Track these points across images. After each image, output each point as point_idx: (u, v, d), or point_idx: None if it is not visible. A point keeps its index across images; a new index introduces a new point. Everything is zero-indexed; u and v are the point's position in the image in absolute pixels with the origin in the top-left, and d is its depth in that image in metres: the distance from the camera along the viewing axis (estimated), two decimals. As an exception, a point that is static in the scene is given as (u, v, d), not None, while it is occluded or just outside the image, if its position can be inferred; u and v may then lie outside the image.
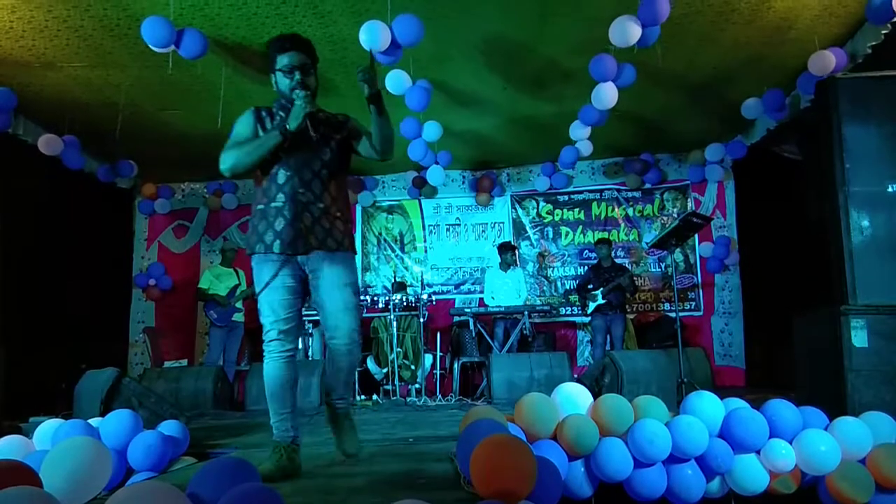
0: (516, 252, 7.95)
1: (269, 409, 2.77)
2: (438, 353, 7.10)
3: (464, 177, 8.91)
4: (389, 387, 6.88)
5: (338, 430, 2.97)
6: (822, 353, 3.87)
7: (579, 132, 6.22)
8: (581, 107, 6.05)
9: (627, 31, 4.60)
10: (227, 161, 2.75)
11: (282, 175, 2.76)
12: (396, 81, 5.25)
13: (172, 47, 4.62)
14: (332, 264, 2.79)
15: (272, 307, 2.74)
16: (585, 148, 6.63)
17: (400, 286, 7.97)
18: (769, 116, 6.43)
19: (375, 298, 7.13)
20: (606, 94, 5.27)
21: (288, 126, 2.71)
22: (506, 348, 7.12)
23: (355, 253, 2.94)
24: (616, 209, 8.70)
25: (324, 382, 3.13)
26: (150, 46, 4.58)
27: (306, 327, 7.42)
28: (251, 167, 2.76)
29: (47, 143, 6.34)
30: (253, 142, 2.78)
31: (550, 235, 8.78)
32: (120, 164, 7.58)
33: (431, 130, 6.27)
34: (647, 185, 8.58)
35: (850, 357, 3.61)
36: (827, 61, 5.16)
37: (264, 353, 2.77)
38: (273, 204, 2.75)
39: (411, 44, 4.58)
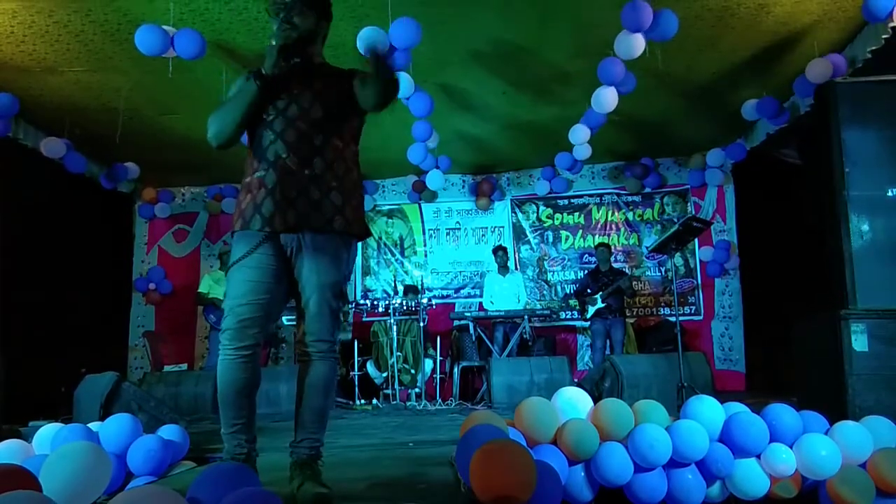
0: (507, 253, 7.94)
1: (220, 416, 2.29)
2: (438, 358, 7.10)
3: (464, 181, 8.92)
4: (389, 391, 6.88)
5: (299, 476, 2.26)
6: (823, 358, 3.86)
7: (579, 135, 6.22)
8: (581, 110, 6.08)
9: (632, 44, 4.63)
10: (211, 126, 2.36)
11: (265, 138, 2.33)
12: (401, 86, 5.25)
13: (170, 51, 4.62)
14: (315, 251, 2.29)
15: (236, 288, 2.24)
16: (584, 152, 6.63)
17: (412, 290, 7.91)
18: (767, 122, 6.45)
19: (375, 302, 7.12)
20: (606, 98, 5.28)
21: (263, 69, 2.29)
22: (506, 352, 7.11)
23: (355, 237, 2.39)
24: (616, 213, 8.70)
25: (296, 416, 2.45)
26: (144, 54, 4.59)
27: (280, 333, 7.29)
28: (236, 129, 2.34)
29: (50, 147, 6.35)
30: (232, 98, 2.37)
31: (550, 239, 8.78)
32: (120, 167, 7.58)
33: (430, 135, 6.28)
34: (647, 190, 8.58)
35: (851, 361, 3.61)
36: (824, 69, 5.17)
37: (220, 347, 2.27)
38: (256, 174, 2.32)
39: (408, 46, 4.58)
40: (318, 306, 2.31)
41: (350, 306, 7.52)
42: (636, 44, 4.63)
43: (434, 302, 7.60)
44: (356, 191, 2.41)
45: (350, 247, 2.40)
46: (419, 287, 8.05)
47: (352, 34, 4.99)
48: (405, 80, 5.18)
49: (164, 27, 4.58)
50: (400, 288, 8.53)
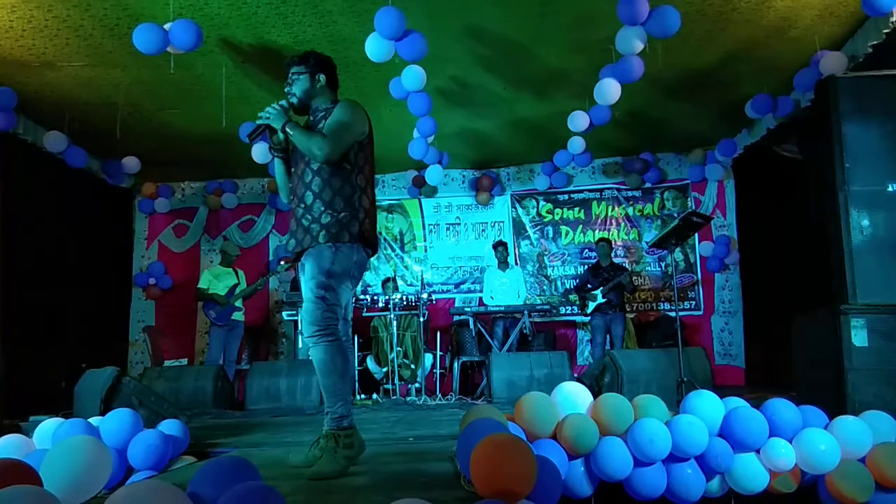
0: (507, 249, 7.93)
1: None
2: (438, 353, 7.10)
3: (464, 176, 8.91)
4: (389, 386, 6.89)
5: (317, 449, 2.75)
6: (822, 353, 3.86)
7: (579, 122, 6.17)
8: (581, 106, 6.08)
9: (633, 40, 4.62)
10: None
11: None
12: (412, 79, 5.23)
13: (170, 47, 4.61)
14: (307, 259, 2.84)
15: None
16: (579, 146, 6.64)
17: (390, 280, 8.04)
18: (760, 116, 6.44)
19: (375, 297, 7.13)
20: (609, 90, 5.27)
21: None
22: (506, 347, 7.12)
23: (336, 244, 2.78)
24: (616, 208, 8.69)
25: None
26: (144, 53, 4.59)
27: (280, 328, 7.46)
28: (285, 191, 3.07)
29: (52, 141, 6.35)
30: None
31: (550, 235, 8.78)
32: (120, 163, 7.57)
33: (434, 131, 6.26)
34: (647, 185, 8.58)
35: (850, 356, 3.61)
36: (836, 62, 5.15)
37: None
38: None
39: (391, 37, 4.55)
40: (306, 296, 2.79)
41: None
42: (637, 39, 4.61)
43: (434, 297, 7.60)
44: (337, 208, 2.81)
45: (324, 251, 2.77)
46: (394, 278, 8.14)
47: (352, 30, 4.99)
48: (416, 74, 5.16)
49: (162, 24, 4.56)
50: (399, 283, 8.57)
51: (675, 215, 8.08)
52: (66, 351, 6.89)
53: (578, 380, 5.48)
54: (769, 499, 2.64)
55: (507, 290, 7.66)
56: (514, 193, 8.88)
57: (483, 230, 8.90)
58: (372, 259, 8.81)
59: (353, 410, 2.82)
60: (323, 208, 2.79)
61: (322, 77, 2.99)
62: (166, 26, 4.54)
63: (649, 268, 8.58)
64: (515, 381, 5.83)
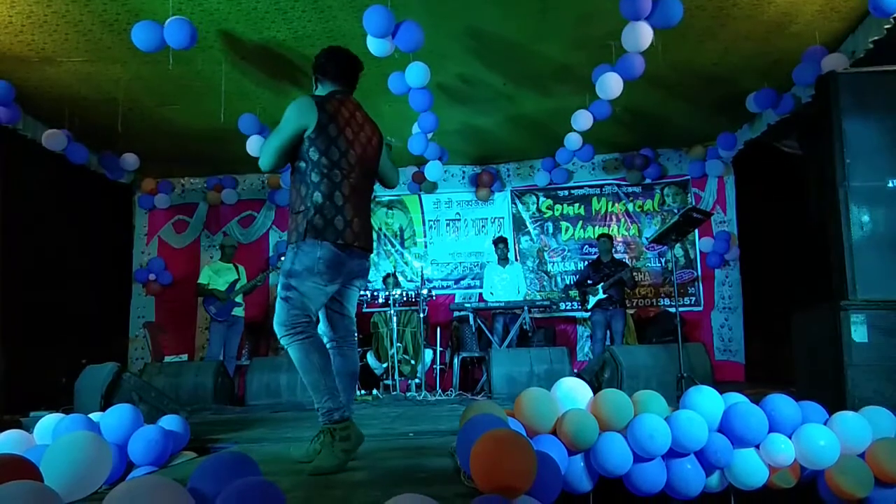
0: (507, 245, 7.92)
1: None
2: (438, 348, 7.11)
3: (464, 172, 8.90)
4: (389, 381, 6.90)
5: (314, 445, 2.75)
6: (822, 349, 3.87)
7: (582, 121, 6.17)
8: (581, 102, 6.06)
9: (639, 35, 4.61)
10: None
11: None
12: (415, 76, 5.24)
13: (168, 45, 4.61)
14: None
15: None
16: (576, 142, 6.63)
17: (391, 276, 8.06)
18: (770, 112, 6.42)
19: (375, 293, 7.13)
20: (611, 84, 5.26)
21: None
22: (505, 343, 7.12)
23: (295, 243, 2.77)
24: (616, 204, 8.69)
25: None
26: (143, 50, 4.59)
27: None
28: None
29: (51, 139, 6.34)
30: None
31: (550, 230, 8.78)
32: (120, 158, 7.56)
33: (435, 126, 6.26)
34: (648, 181, 8.57)
35: (850, 352, 3.61)
36: (836, 62, 5.15)
37: None
38: None
39: (381, 34, 4.54)
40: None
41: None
42: (643, 35, 4.59)
43: (434, 293, 7.59)
44: (295, 209, 2.82)
45: (288, 252, 2.79)
46: (394, 274, 8.15)
47: (352, 25, 4.97)
48: (420, 70, 5.15)
49: (160, 22, 4.55)
50: (400, 279, 8.58)
51: (676, 211, 8.07)
52: (66, 347, 6.89)
53: (578, 375, 5.48)
54: (769, 494, 2.64)
55: (507, 285, 7.67)
56: (514, 189, 8.88)
57: (483, 226, 8.90)
58: (372, 255, 8.93)
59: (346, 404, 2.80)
60: (291, 211, 2.86)
61: (317, 76, 3.04)
62: (164, 23, 4.53)
63: (649, 264, 8.58)
64: (515, 377, 5.83)
